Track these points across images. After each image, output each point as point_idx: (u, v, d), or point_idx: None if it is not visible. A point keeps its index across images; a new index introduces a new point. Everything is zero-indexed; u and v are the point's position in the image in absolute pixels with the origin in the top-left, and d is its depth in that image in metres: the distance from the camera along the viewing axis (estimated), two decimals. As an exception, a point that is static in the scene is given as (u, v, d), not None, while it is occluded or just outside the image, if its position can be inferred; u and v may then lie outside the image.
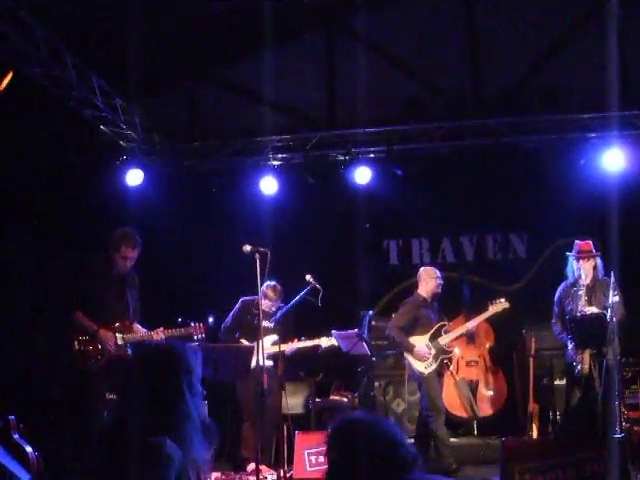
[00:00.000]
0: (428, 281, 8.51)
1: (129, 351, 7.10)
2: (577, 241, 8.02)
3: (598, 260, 7.90)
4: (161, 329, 7.35)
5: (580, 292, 7.74)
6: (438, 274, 8.54)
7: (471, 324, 8.42)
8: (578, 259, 7.88)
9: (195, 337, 7.38)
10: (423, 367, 8.21)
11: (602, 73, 9.07)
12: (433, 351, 8.22)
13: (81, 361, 6.99)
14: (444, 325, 8.36)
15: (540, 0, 9.82)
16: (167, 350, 3.13)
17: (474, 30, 10.11)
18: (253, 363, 7.20)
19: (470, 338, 9.28)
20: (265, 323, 7.88)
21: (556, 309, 8.15)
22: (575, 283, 7.92)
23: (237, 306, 8.40)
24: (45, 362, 9.18)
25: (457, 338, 8.52)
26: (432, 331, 8.30)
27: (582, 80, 9.78)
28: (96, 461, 2.95)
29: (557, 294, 8.18)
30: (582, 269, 7.84)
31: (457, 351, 9.39)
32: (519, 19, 9.89)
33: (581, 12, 9.89)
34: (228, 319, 8.39)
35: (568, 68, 9.95)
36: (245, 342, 8.03)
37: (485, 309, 8.45)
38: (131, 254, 7.32)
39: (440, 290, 8.51)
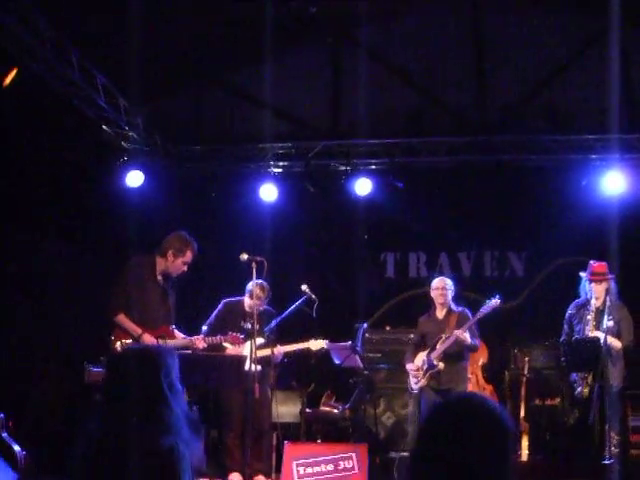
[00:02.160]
0: (431, 293, 8.41)
1: None
2: (591, 262, 7.81)
3: (612, 283, 7.70)
4: (201, 337, 7.35)
5: (589, 316, 7.59)
6: (438, 284, 8.34)
7: (459, 331, 8.00)
8: (591, 281, 7.71)
9: (232, 346, 7.42)
10: (413, 383, 8.16)
11: (605, 96, 9.06)
12: (425, 366, 8.11)
13: None
14: (440, 338, 8.14)
15: (546, 22, 9.81)
16: (144, 354, 3.13)
17: (480, 47, 10.10)
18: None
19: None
20: (249, 325, 7.81)
21: (566, 327, 8.00)
22: (586, 304, 7.79)
23: (219, 307, 8.20)
24: (40, 361, 9.17)
25: (451, 347, 8.08)
26: (431, 346, 8.16)
27: (585, 102, 9.83)
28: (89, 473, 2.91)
29: (567, 313, 8.03)
30: (593, 291, 7.68)
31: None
32: (525, 39, 9.89)
33: (585, 35, 9.91)
34: (211, 320, 8.14)
35: (572, 90, 9.98)
36: (228, 345, 7.82)
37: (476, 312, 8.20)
38: (191, 259, 7.32)
39: (443, 300, 8.25)
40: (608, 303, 7.17)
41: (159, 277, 7.29)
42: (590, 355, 7.03)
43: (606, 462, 6.31)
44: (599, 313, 7.61)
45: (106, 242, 9.55)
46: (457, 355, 8.15)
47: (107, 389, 3.08)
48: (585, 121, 9.75)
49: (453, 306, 8.35)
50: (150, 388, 2.95)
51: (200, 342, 7.22)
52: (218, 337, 7.40)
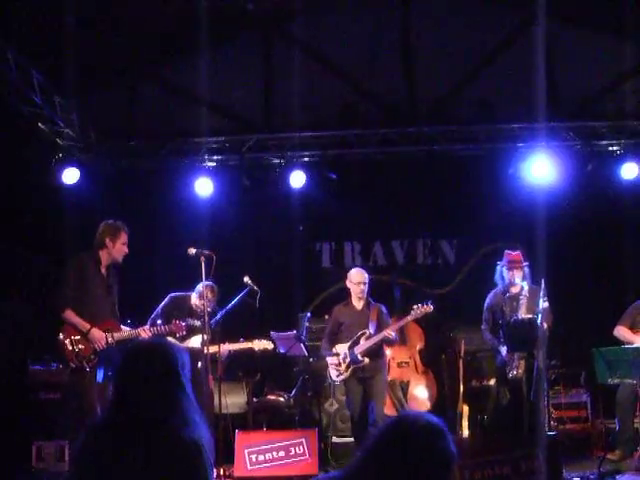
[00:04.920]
0: (349, 285, 8.41)
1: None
2: (507, 251, 8.27)
3: (526, 269, 8.20)
4: (147, 327, 7.43)
5: (522, 300, 7.98)
6: (359, 278, 8.31)
7: (388, 331, 8.09)
8: (511, 268, 8.14)
9: (177, 335, 7.50)
10: (335, 375, 8.24)
11: (531, 85, 9.38)
12: (348, 359, 8.13)
13: (76, 361, 6.92)
14: (364, 333, 8.17)
15: (473, 14, 10.09)
16: (163, 346, 3.18)
17: (410, 41, 10.32)
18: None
19: (401, 341, 9.51)
20: (197, 322, 7.89)
21: (486, 315, 8.40)
22: (506, 291, 8.21)
23: (166, 301, 8.25)
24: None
25: (376, 344, 8.16)
26: (354, 339, 8.17)
27: (512, 92, 10.13)
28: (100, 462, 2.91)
29: (487, 301, 8.43)
30: (516, 277, 8.13)
31: (389, 352, 9.59)
32: (453, 31, 10.15)
33: (511, 27, 10.22)
34: (157, 312, 8.17)
35: (498, 80, 10.28)
36: (172, 340, 7.83)
37: (407, 313, 8.32)
38: (127, 238, 7.38)
39: (362, 295, 8.29)
40: (542, 286, 7.47)
41: (103, 271, 7.34)
42: (529, 335, 7.35)
43: (551, 434, 6.64)
44: (517, 297, 8.08)
45: (43, 240, 9.47)
46: (378, 350, 8.24)
47: (125, 380, 3.08)
48: (511, 110, 10.08)
49: (369, 299, 8.41)
50: (171, 377, 3.03)
51: (145, 333, 7.30)
52: (162, 327, 7.50)
